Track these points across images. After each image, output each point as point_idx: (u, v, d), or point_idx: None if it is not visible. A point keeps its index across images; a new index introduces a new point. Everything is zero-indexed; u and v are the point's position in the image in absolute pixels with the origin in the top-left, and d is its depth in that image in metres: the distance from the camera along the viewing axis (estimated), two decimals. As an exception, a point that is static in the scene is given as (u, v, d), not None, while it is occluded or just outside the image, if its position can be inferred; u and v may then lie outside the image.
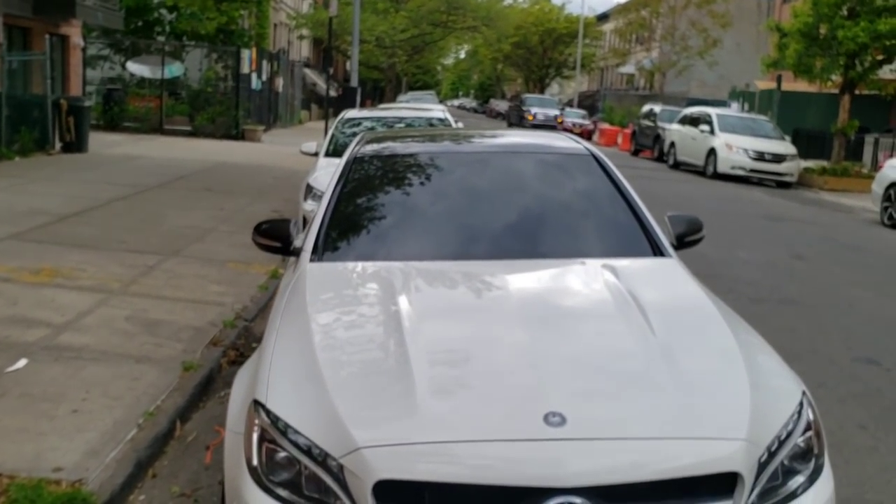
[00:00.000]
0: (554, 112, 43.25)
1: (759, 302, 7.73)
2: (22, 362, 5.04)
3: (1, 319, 5.77)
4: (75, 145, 16.49)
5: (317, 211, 4.19)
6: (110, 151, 17.35)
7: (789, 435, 2.67)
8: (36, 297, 6.40)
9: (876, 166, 20.76)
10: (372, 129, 10.23)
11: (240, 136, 23.33)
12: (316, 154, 10.24)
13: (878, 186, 15.11)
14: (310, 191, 8.85)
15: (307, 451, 2.52)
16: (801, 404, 2.79)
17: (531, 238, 3.96)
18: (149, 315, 6.22)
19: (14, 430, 4.14)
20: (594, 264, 3.64)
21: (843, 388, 5.50)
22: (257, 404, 2.70)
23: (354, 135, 10.17)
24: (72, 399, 4.58)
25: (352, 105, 21.10)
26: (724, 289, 7.86)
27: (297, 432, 2.56)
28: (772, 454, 2.58)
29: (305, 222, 6.05)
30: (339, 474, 2.45)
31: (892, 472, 4.28)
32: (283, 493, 2.53)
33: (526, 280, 3.57)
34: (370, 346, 2.96)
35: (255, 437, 2.63)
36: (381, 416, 2.55)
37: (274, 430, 2.60)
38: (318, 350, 2.89)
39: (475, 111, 76.73)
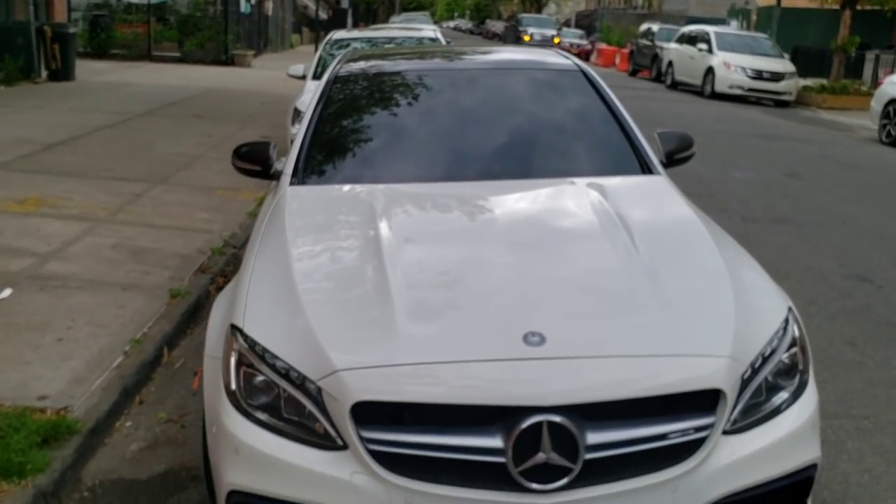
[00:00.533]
0: (551, 32, 42.43)
1: (752, 221, 7.67)
2: (6, 292, 5.00)
3: (-15, 249, 5.72)
4: (62, 73, 16.17)
5: (297, 133, 4.08)
6: (98, 79, 17.04)
7: (773, 351, 2.63)
8: (21, 226, 6.32)
9: (876, 83, 20.47)
10: (360, 49, 10.01)
11: (229, 61, 22.92)
12: (304, 77, 10.05)
13: (876, 103, 14.91)
14: (297, 114, 8.69)
15: (285, 375, 2.49)
16: (786, 321, 2.75)
17: (517, 157, 3.86)
18: (136, 243, 6.16)
19: (-1, 359, 4.12)
20: (581, 183, 3.55)
21: (834, 305, 5.48)
22: (234, 329, 2.65)
23: (342, 57, 9.97)
24: (57, 328, 4.55)
25: (343, 27, 20.66)
26: (718, 208, 7.80)
27: (274, 356, 2.52)
28: (755, 371, 2.55)
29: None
30: (317, 397, 2.42)
31: (879, 387, 4.29)
32: (262, 416, 2.51)
33: (510, 201, 3.50)
34: (349, 271, 2.90)
35: (232, 361, 2.60)
36: (359, 339, 2.51)
37: (252, 355, 2.56)
38: (296, 274, 2.83)
39: (471, 32, 75.35)
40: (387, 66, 4.52)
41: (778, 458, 2.54)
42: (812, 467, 2.65)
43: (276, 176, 3.88)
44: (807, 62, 25.64)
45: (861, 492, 3.32)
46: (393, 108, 4.17)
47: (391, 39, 10.64)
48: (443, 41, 10.59)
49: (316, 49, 20.42)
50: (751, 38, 23.18)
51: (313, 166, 3.82)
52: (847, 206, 8.80)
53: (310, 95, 8.85)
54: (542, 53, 4.73)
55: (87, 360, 4.20)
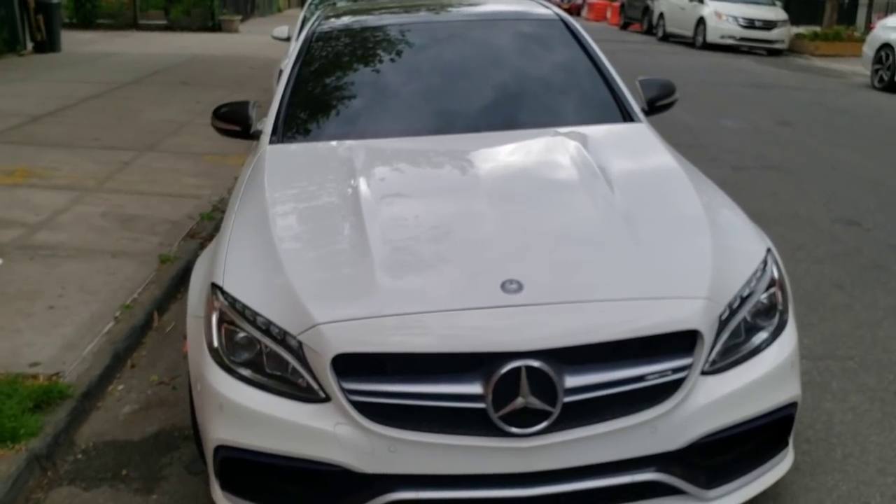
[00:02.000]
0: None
1: (741, 169, 7.65)
2: (-4, 262, 5.01)
3: (-26, 222, 5.71)
4: (47, 45, 15.99)
5: (275, 91, 4.06)
6: (84, 50, 16.87)
7: (752, 292, 2.65)
8: (9, 197, 6.31)
9: (869, 29, 20.29)
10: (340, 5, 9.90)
11: (217, 27, 22.69)
12: (288, 39, 9.96)
13: (868, 48, 14.79)
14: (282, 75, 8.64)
15: (266, 331, 2.51)
16: (764, 261, 2.77)
17: (498, 108, 3.85)
18: (124, 210, 6.15)
19: (-10, 329, 4.14)
20: (561, 133, 3.54)
21: (821, 249, 5.50)
22: (215, 287, 2.67)
23: (327, 17, 9.87)
24: (48, 296, 4.56)
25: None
26: (708, 157, 7.78)
27: (255, 312, 2.54)
28: (733, 312, 2.57)
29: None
30: (298, 351, 2.44)
31: (865, 329, 4.31)
32: (244, 372, 2.53)
33: (490, 153, 3.49)
34: (327, 227, 2.90)
35: (214, 319, 2.62)
36: (338, 294, 2.53)
37: (232, 312, 2.58)
38: (274, 232, 2.84)
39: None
40: (366, 20, 4.48)
41: (757, 397, 2.57)
42: (792, 405, 2.69)
43: (256, 136, 3.87)
44: (799, 9, 25.36)
45: (844, 430, 3.36)
46: (372, 63, 4.14)
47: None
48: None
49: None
50: (742, -14, 22.89)
51: (293, 125, 3.81)
52: (837, 151, 8.77)
53: (295, 57, 8.82)
54: (523, 4, 4.69)
55: (78, 326, 4.22)
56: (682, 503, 2.54)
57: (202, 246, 5.61)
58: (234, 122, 3.89)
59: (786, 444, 2.78)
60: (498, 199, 2.96)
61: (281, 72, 8.63)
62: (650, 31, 25.36)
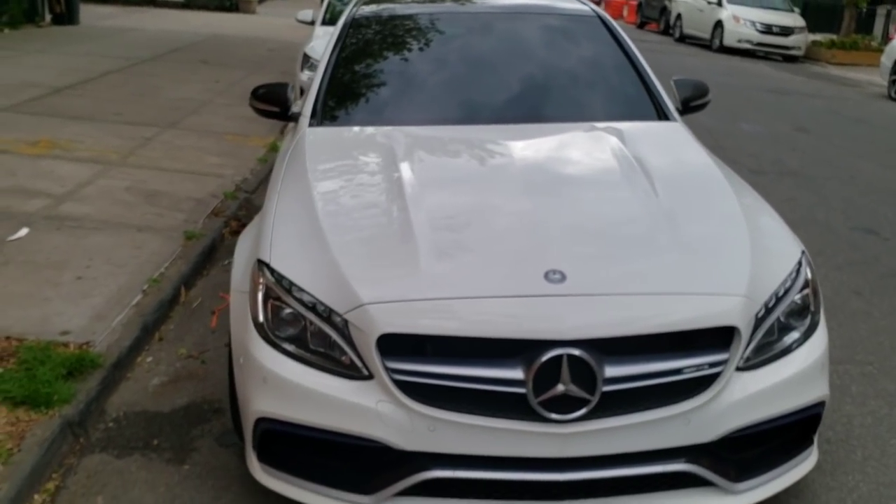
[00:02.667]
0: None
1: (760, 173, 7.69)
2: (24, 231, 5.06)
3: (1, 190, 5.76)
4: (66, 17, 16.02)
5: (314, 75, 4.10)
6: (102, 24, 16.89)
7: (786, 292, 2.70)
8: (34, 168, 6.36)
9: (886, 39, 20.27)
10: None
11: (234, 7, 22.68)
12: (312, 23, 9.98)
13: (886, 59, 14.80)
14: (306, 60, 8.67)
15: (312, 308, 2.56)
16: (799, 263, 2.82)
17: (536, 101, 3.90)
18: (148, 186, 6.20)
19: (19, 296, 4.19)
20: (600, 128, 3.59)
21: (840, 256, 5.55)
22: (261, 264, 2.72)
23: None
24: (75, 266, 4.62)
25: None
26: (727, 160, 7.73)
27: (301, 290, 2.59)
28: (769, 310, 2.62)
29: (302, 93, 5.95)
30: (343, 329, 2.50)
31: (884, 335, 4.37)
32: (289, 347, 2.58)
33: (531, 145, 3.54)
34: (371, 209, 2.95)
35: (260, 295, 2.67)
36: (384, 275, 2.58)
37: (279, 288, 2.63)
38: (319, 212, 2.89)
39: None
40: (404, 8, 4.52)
41: (788, 395, 2.63)
42: (820, 405, 2.74)
43: (294, 117, 3.92)
44: (817, 17, 25.32)
45: (864, 432, 3.42)
46: (410, 51, 4.19)
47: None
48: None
49: (322, -5, 20.24)
50: (761, -9, 22.86)
51: (331, 108, 3.85)
52: (854, 160, 8.81)
53: (319, 41, 8.87)
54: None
55: (107, 297, 4.27)
56: (710, 495, 2.59)
57: (226, 224, 5.68)
58: (273, 102, 3.93)
59: (811, 442, 2.83)
60: (540, 190, 3.01)
61: (305, 55, 8.71)
62: (667, 31, 25.32)
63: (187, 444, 3.24)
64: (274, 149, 7.75)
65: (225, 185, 6.45)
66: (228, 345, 2.95)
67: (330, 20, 9.55)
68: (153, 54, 12.97)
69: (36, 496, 2.92)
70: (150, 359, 3.93)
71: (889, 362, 4.05)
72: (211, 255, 5.24)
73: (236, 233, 5.70)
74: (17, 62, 11.40)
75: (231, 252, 5.33)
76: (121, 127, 7.97)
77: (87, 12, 17.16)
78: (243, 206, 6.19)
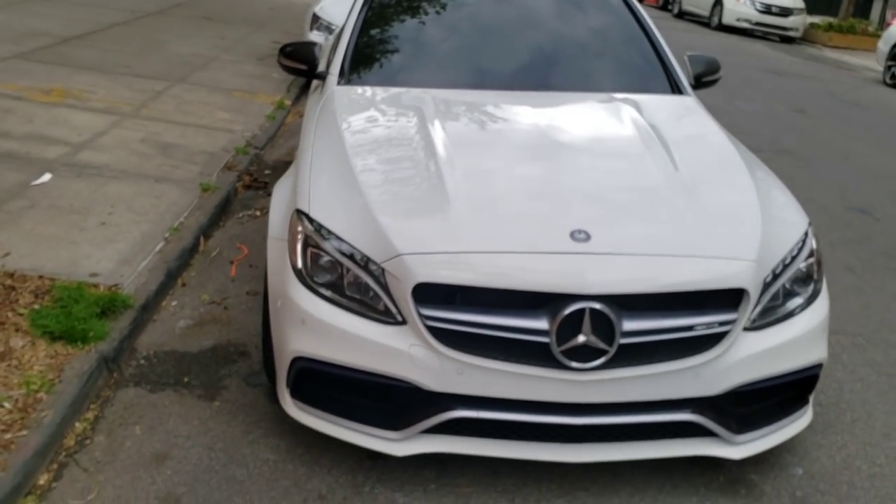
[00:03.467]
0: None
1: (757, 151, 7.76)
2: (47, 176, 5.17)
3: (20, 136, 5.86)
4: (67, -35, 15.89)
5: (339, 36, 4.23)
6: (103, -26, 16.75)
7: (793, 260, 2.89)
8: (50, 115, 6.45)
9: (883, 24, 20.41)
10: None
11: (234, -37, 22.49)
12: (321, -17, 9.99)
13: (883, 45, 14.95)
14: (316, 20, 8.75)
15: (350, 256, 2.72)
16: (805, 234, 3.01)
17: (556, 70, 4.04)
18: (162, 138, 6.31)
19: (48, 238, 4.33)
20: (618, 98, 3.75)
21: (834, 234, 5.76)
22: (300, 213, 2.87)
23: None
24: (98, 213, 4.75)
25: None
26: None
27: (339, 239, 2.75)
28: (776, 276, 2.81)
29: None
30: (380, 277, 2.66)
31: (873, 309, 4.59)
32: (326, 292, 2.75)
33: (554, 111, 3.69)
34: (405, 166, 3.10)
35: (299, 243, 2.83)
36: (420, 228, 2.74)
37: (318, 237, 2.79)
38: (354, 165, 3.04)
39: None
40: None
41: (789, 356, 2.83)
42: (818, 366, 2.95)
43: (321, 76, 4.05)
44: (816, -1, 25.41)
45: (853, 397, 3.64)
46: (433, 16, 4.31)
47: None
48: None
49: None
50: (762, -30, 22.90)
51: (358, 68, 3.99)
52: (850, 142, 9.01)
53: (329, 1, 8.93)
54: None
55: (131, 243, 4.42)
56: (713, 444, 2.80)
57: (239, 178, 5.81)
58: (301, 61, 4.06)
59: (807, 401, 3.04)
60: (565, 155, 3.18)
61: (314, 16, 8.78)
62: (666, 6, 25.35)
63: (216, 383, 3.42)
64: (281, 106, 7.87)
65: (235, 140, 6.57)
66: (264, 290, 3.12)
67: (340, -19, 9.60)
68: (157, 8, 12.94)
69: (77, 424, 3.09)
70: (174, 303, 4.09)
71: (878, 334, 4.27)
72: (226, 208, 5.38)
73: (249, 187, 5.85)
74: (21, 10, 11.36)
75: (245, 205, 5.53)
76: (131, 79, 8.04)
77: (88, -38, 17.01)
78: (254, 161, 6.32)
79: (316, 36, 8.60)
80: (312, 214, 2.84)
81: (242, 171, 5.98)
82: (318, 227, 2.80)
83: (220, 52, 10.12)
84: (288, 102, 8.15)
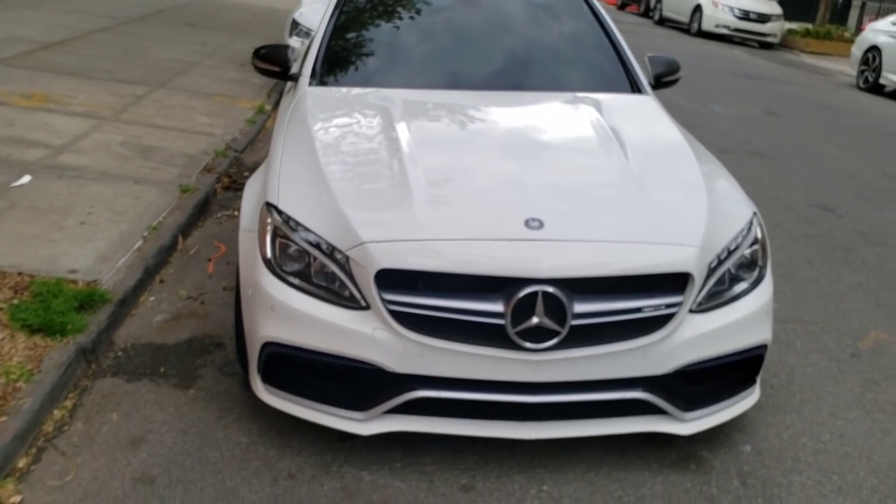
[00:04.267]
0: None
1: (728, 152, 8.06)
2: (26, 178, 5.28)
3: (0, 139, 5.96)
4: (48, -27, 15.98)
5: (312, 39, 4.37)
6: (84, -19, 16.84)
7: (737, 247, 3.05)
8: (30, 120, 6.55)
9: (859, 30, 20.74)
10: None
11: (217, -29, 22.61)
12: (301, -10, 10.13)
13: (857, 49, 15.22)
14: (295, 26, 8.88)
15: (316, 246, 2.86)
16: (750, 223, 3.17)
17: (521, 71, 4.20)
18: (142, 141, 6.43)
19: (28, 237, 4.44)
20: (579, 97, 3.91)
21: (796, 229, 5.94)
22: (270, 206, 3.01)
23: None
24: (78, 213, 4.86)
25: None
26: (697, 139, 8.14)
27: (307, 229, 2.89)
28: (720, 261, 2.97)
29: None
30: (345, 265, 2.80)
31: (829, 300, 4.76)
32: (294, 280, 2.89)
33: (516, 110, 3.85)
34: (370, 160, 3.25)
35: (268, 233, 2.96)
36: (382, 218, 2.88)
37: (286, 228, 2.93)
38: (322, 161, 3.19)
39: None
40: (399, -21, 4.80)
41: (734, 336, 2.98)
42: (763, 347, 3.10)
43: (294, 77, 4.19)
44: (793, 5, 25.74)
45: (803, 381, 3.80)
46: (403, 20, 4.47)
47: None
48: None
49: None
50: (740, -23, 23.22)
51: (329, 70, 4.13)
52: (819, 144, 9.22)
53: (307, 8, 9.08)
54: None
55: (110, 241, 4.54)
56: (663, 421, 2.95)
57: (218, 180, 5.94)
58: (275, 62, 4.20)
59: (754, 381, 3.20)
60: (523, 151, 3.33)
61: (294, 21, 8.92)
62: (647, 13, 25.66)
63: (192, 373, 3.54)
64: (261, 111, 8.00)
65: (215, 143, 6.69)
66: (236, 280, 3.25)
67: (318, -12, 9.75)
68: (138, 15, 13.05)
69: (55, 412, 3.21)
70: (152, 298, 4.21)
71: (832, 323, 4.45)
72: (205, 208, 5.50)
73: (228, 188, 5.97)
74: (1, 17, 11.45)
75: (224, 206, 5.65)
76: (112, 84, 8.15)
77: (70, -30, 17.10)
78: (233, 164, 6.45)
79: (295, 42, 8.72)
80: (281, 206, 2.98)
81: (222, 172, 6.10)
82: (287, 219, 2.94)
83: (202, 57, 10.24)
84: (268, 107, 8.27)
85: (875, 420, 3.53)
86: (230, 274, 4.53)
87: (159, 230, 4.80)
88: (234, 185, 6.05)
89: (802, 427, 3.42)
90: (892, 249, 5.79)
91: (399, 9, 4.53)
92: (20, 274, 4.02)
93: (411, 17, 4.48)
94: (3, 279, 3.94)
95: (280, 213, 2.97)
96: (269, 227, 2.97)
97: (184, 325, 3.95)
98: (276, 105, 8.63)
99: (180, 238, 4.90)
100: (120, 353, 3.67)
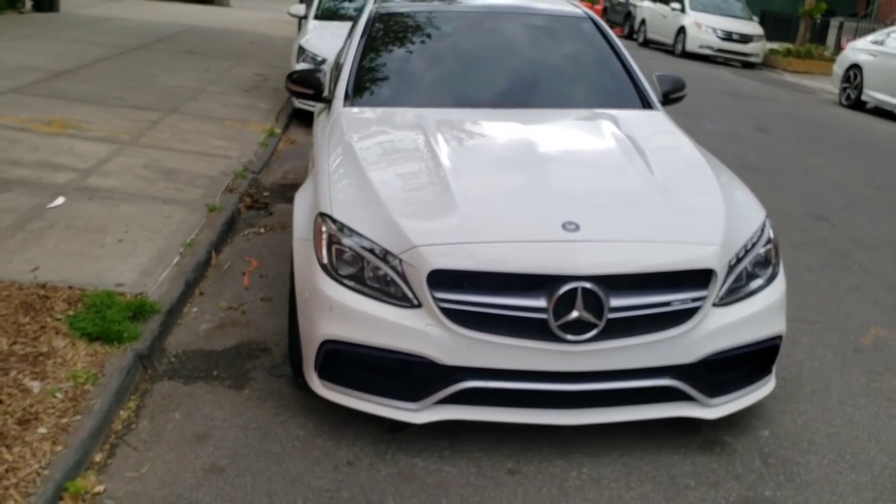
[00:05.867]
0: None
1: (723, 167, 8.40)
2: (60, 200, 5.52)
3: (30, 163, 6.20)
4: (46, 4, 16.28)
5: (342, 63, 4.65)
6: (82, 12, 17.15)
7: (753, 246, 3.33)
8: (54, 145, 6.79)
9: (839, 49, 21.28)
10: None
11: (209, 0, 22.97)
12: (305, 17, 10.45)
13: (838, 68, 15.67)
14: (302, 52, 9.18)
15: (370, 251, 3.12)
16: (763, 224, 3.45)
17: (541, 89, 4.51)
18: (163, 164, 6.67)
19: (71, 254, 4.67)
20: (597, 113, 4.21)
21: (795, 237, 6.24)
22: (324, 215, 3.26)
23: (341, -4, 10.41)
24: (114, 231, 5.10)
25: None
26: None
27: (360, 235, 3.15)
28: (739, 259, 3.25)
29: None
30: (397, 267, 3.06)
31: (830, 301, 5.06)
32: (349, 283, 3.14)
33: (542, 124, 4.14)
34: (412, 171, 3.52)
35: (324, 241, 3.22)
36: (431, 223, 3.15)
37: (341, 234, 3.18)
38: (368, 173, 3.45)
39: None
40: (422, 6, 5.09)
41: (753, 328, 3.26)
42: (778, 338, 3.38)
43: (327, 100, 4.46)
44: (774, 26, 26.39)
45: (812, 373, 4.08)
46: (430, 42, 4.75)
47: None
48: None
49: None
50: (722, -1, 23.79)
51: (361, 92, 4.40)
52: (808, 158, 9.58)
53: (314, 34, 9.40)
54: (559, 3, 5.33)
55: (149, 257, 4.77)
56: (690, 407, 3.21)
57: (241, 199, 6.19)
58: (308, 86, 4.46)
59: (770, 371, 3.47)
60: (554, 159, 3.62)
61: (300, 48, 9.22)
62: (631, 35, 26.13)
63: (243, 375, 3.77)
64: (272, 134, 8.27)
65: (233, 165, 6.95)
66: (290, 286, 3.50)
67: (322, 15, 10.07)
68: (140, 43, 13.34)
69: (122, 412, 3.43)
70: (195, 309, 4.44)
71: (834, 321, 4.74)
72: (232, 226, 5.75)
73: (250, 207, 6.22)
74: (8, 47, 11.70)
75: (249, 224, 5.90)
76: (125, 110, 8.40)
77: (64, 0, 17.39)
78: (252, 184, 6.70)
79: (303, 67, 9.02)
80: (335, 216, 3.24)
81: (243, 192, 6.36)
82: (341, 227, 3.19)
83: (207, 84, 10.51)
84: (278, 130, 8.55)
85: (881, 406, 3.81)
86: (264, 286, 4.77)
87: (194, 247, 5.04)
88: (256, 204, 6.30)
89: (815, 413, 3.69)
90: (885, 254, 6.11)
91: (423, 32, 4.81)
92: (70, 288, 4.24)
93: (436, 40, 4.76)
94: (56, 293, 4.16)
95: (335, 221, 3.22)
96: (324, 235, 3.22)
97: (229, 333, 4.18)
98: (285, 129, 8.93)
99: (213, 254, 5.14)
100: (173, 359, 3.90)
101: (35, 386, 3.36)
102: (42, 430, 3.09)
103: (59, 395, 3.34)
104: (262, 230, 5.75)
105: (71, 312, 3.98)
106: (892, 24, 18.81)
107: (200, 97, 9.64)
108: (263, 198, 6.47)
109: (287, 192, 6.59)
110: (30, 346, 3.65)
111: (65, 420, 3.18)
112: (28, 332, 3.74)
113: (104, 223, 5.20)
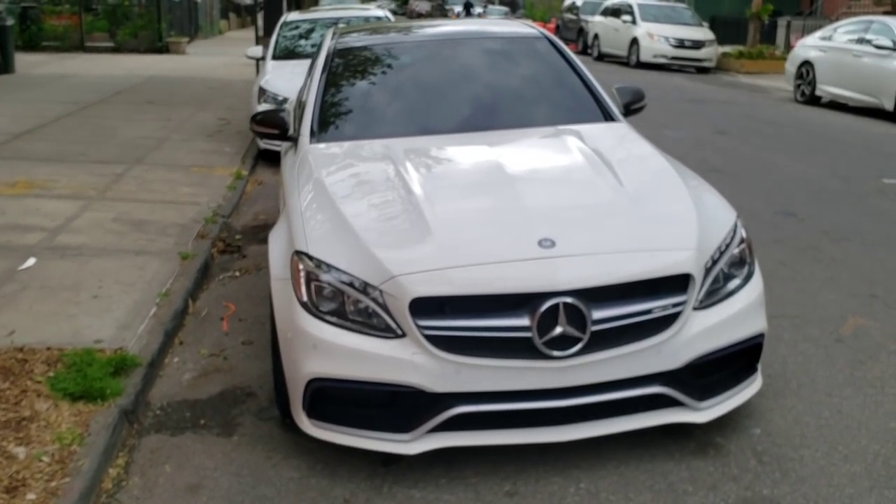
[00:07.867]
0: (478, 10, 43.19)
1: (688, 172, 8.50)
2: (31, 261, 5.46)
3: (-3, 227, 6.13)
4: (2, 66, 16.17)
5: (306, 100, 4.66)
6: (38, 71, 17.05)
7: (727, 247, 3.37)
8: (20, 206, 6.72)
9: (788, 48, 21.69)
10: (311, 30, 10.52)
11: (164, 49, 22.93)
12: (262, 58, 10.48)
13: (791, 66, 15.98)
14: (263, 93, 9.19)
15: (349, 284, 3.11)
16: (735, 225, 3.50)
17: (505, 110, 4.55)
18: (133, 216, 6.63)
19: (47, 314, 4.61)
20: (561, 130, 4.25)
21: (765, 235, 6.32)
22: (300, 253, 3.26)
23: (296, 37, 10.48)
24: (89, 287, 5.05)
25: (277, 11, 20.90)
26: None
27: (338, 270, 3.14)
28: (714, 261, 3.29)
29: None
30: (378, 298, 3.06)
31: (806, 294, 5.13)
32: (331, 318, 3.13)
33: (508, 144, 4.17)
34: (384, 201, 3.53)
35: (302, 278, 3.21)
36: (407, 252, 3.15)
37: (318, 271, 3.18)
38: (341, 208, 3.45)
39: (394, 13, 75.12)
40: (380, 38, 5.13)
41: (735, 328, 3.29)
42: (760, 336, 3.42)
43: (293, 138, 4.47)
44: (724, 30, 26.83)
45: (797, 368, 4.12)
46: (390, 73, 4.79)
47: (339, 20, 11.10)
48: (392, 19, 11.13)
49: (256, 32, 20.65)
50: (671, 8, 24.19)
51: (326, 127, 4.42)
52: (770, 156, 9.73)
53: (273, 74, 9.42)
54: (513, 25, 5.40)
55: (126, 310, 4.73)
56: (681, 413, 3.23)
57: (213, 245, 6.15)
58: (273, 126, 4.47)
59: (755, 369, 3.50)
60: (525, 179, 3.65)
61: (261, 89, 9.23)
62: (585, 51, 26.47)
63: (231, 421, 3.73)
64: (239, 177, 8.25)
65: (203, 211, 6.91)
66: (271, 327, 3.47)
67: (279, 55, 10.10)
68: (99, 98, 13.28)
69: (111, 470, 3.38)
70: (176, 359, 4.39)
71: (813, 314, 4.79)
72: (206, 273, 5.71)
73: (223, 252, 6.19)
74: (-34, 111, 11.60)
75: (224, 269, 5.86)
76: (89, 165, 8.35)
77: (17, 61, 17.24)
78: (224, 228, 6.67)
79: (265, 108, 9.04)
80: (311, 252, 3.23)
81: (215, 237, 6.32)
82: (318, 263, 3.19)
83: (170, 132, 10.48)
84: (245, 173, 8.53)
85: (867, 395, 3.85)
86: (244, 330, 4.74)
87: (170, 296, 5.00)
88: (229, 248, 6.27)
89: (803, 407, 3.72)
90: (854, 244, 6.20)
91: (383, 64, 4.84)
92: (49, 348, 4.19)
93: (396, 71, 4.80)
94: (35, 355, 4.11)
95: (311, 258, 3.22)
96: (302, 273, 3.22)
97: (212, 380, 4.14)
98: (252, 170, 8.91)
99: (190, 301, 5.10)
100: (159, 412, 3.85)
101: (20, 451, 3.30)
102: (31, 496, 3.04)
103: (45, 458, 3.28)
104: (237, 273, 5.72)
105: (51, 373, 3.92)
106: (836, 19, 19.22)
107: (164, 146, 9.61)
108: (236, 241, 6.44)
109: (259, 233, 6.57)
110: (11, 411, 3.59)
111: (53, 483, 3.13)
112: (9, 398, 3.69)
113: (77, 280, 5.15)
